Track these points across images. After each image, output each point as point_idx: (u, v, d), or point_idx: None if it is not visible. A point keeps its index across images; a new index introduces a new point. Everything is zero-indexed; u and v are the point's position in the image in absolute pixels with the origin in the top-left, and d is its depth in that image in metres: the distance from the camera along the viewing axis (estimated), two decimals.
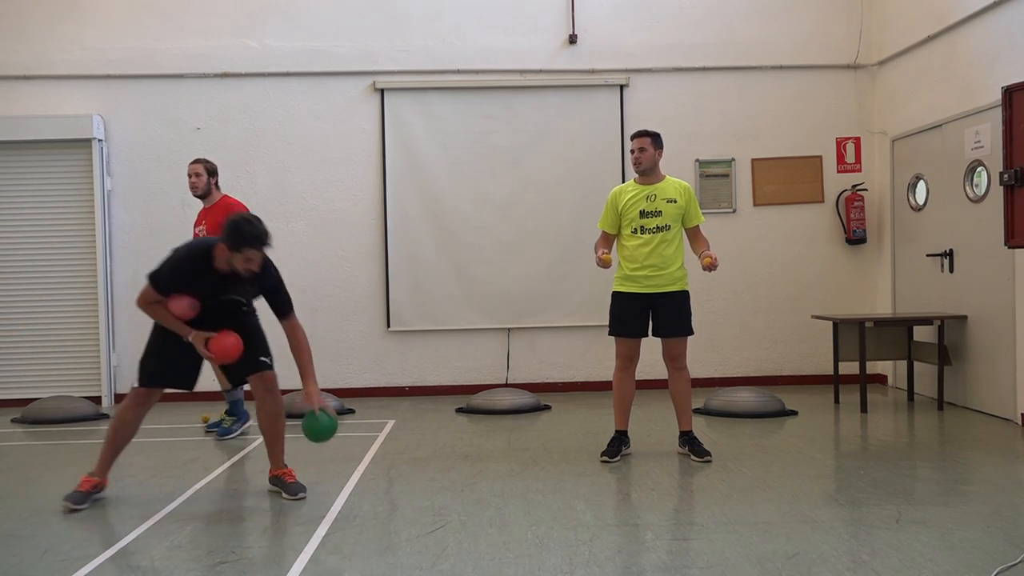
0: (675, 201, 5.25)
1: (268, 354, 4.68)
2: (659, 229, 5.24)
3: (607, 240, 5.45)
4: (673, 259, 5.26)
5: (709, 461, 5.20)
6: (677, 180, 5.38)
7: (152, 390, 4.56)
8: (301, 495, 4.55)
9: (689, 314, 5.37)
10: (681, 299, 5.32)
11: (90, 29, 8.22)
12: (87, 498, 4.49)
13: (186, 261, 4.36)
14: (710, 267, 5.13)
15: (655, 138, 5.32)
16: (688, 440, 5.41)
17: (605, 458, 5.26)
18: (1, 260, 8.16)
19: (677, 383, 5.42)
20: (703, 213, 5.52)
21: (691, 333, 5.37)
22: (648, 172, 5.31)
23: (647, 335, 5.36)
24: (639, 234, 5.26)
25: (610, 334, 5.43)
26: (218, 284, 4.41)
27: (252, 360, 4.59)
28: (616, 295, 5.40)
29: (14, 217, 8.16)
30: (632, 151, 5.32)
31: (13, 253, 8.16)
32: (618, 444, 5.38)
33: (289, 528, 4.04)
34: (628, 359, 5.38)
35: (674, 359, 5.39)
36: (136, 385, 4.60)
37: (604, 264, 5.24)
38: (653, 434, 6.10)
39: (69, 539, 3.95)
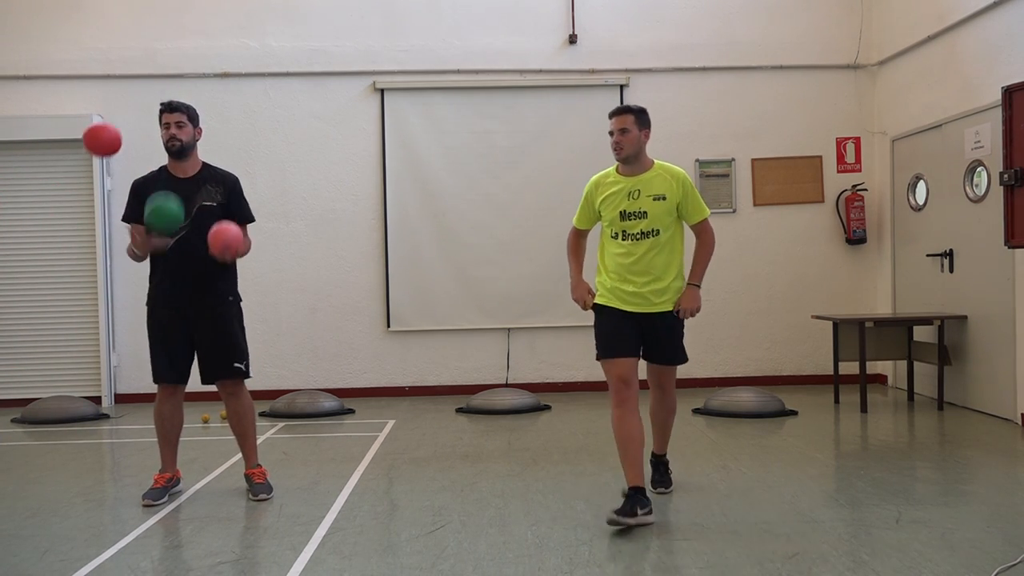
0: (663, 198, 4.15)
1: (243, 358, 4.62)
2: (645, 235, 4.15)
3: (580, 241, 4.50)
4: (666, 270, 4.19)
5: (664, 492, 4.52)
6: (668, 167, 4.27)
7: (165, 385, 4.60)
8: (263, 496, 4.56)
9: (682, 338, 4.39)
10: (675, 321, 4.30)
11: (90, 29, 8.23)
12: (163, 493, 4.57)
13: (139, 178, 4.63)
14: (680, 314, 4.24)
15: (639, 115, 4.21)
16: (662, 465, 4.62)
17: (615, 516, 3.90)
18: (1, 260, 8.16)
19: (660, 411, 4.51)
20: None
21: (684, 362, 4.42)
22: (631, 160, 4.20)
23: (639, 355, 4.32)
24: (620, 240, 4.21)
25: (600, 358, 4.28)
26: (179, 190, 4.46)
27: (227, 364, 4.57)
28: (599, 309, 4.31)
29: (14, 217, 8.16)
30: (611, 133, 4.21)
31: (13, 253, 8.16)
32: (633, 504, 3.94)
33: (289, 528, 4.04)
34: (624, 384, 4.14)
35: (663, 387, 4.48)
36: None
37: (587, 308, 4.36)
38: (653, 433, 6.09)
39: (69, 539, 3.95)
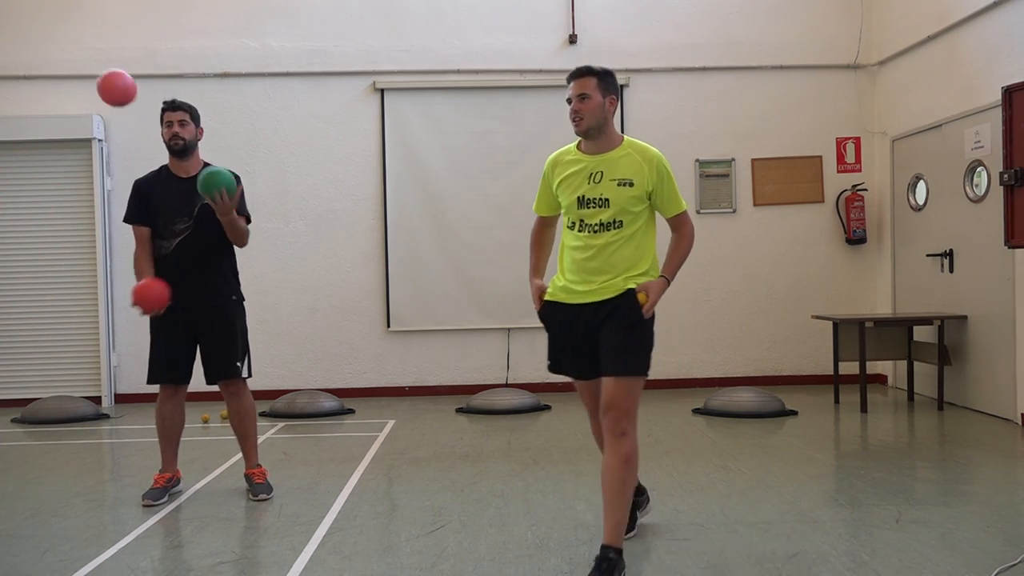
0: (630, 183, 3.39)
1: (243, 357, 4.63)
2: (605, 227, 3.41)
3: (543, 232, 3.83)
4: (630, 264, 3.43)
5: None
6: (640, 146, 3.49)
7: (167, 385, 4.60)
8: (263, 496, 4.56)
9: (643, 337, 3.40)
10: (632, 306, 3.37)
11: (90, 29, 8.23)
12: (163, 493, 4.58)
13: (140, 178, 4.64)
14: (640, 296, 3.39)
15: (603, 78, 3.46)
16: (604, 561, 3.22)
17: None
18: (1, 260, 8.16)
19: (611, 458, 3.31)
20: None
21: (639, 372, 3.36)
22: (594, 134, 3.46)
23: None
24: (577, 231, 3.49)
25: (551, 370, 3.66)
26: (182, 189, 4.48)
27: (228, 364, 4.58)
28: (548, 309, 3.58)
29: (14, 217, 8.16)
30: (569, 101, 3.48)
31: (13, 253, 8.16)
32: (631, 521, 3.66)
33: (289, 528, 4.04)
34: (593, 414, 3.67)
35: (609, 409, 3.32)
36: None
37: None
38: (653, 434, 6.10)
39: (69, 539, 3.95)
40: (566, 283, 3.50)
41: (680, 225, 3.56)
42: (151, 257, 4.55)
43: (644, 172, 3.41)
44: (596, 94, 3.42)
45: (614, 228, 3.41)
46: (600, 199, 3.41)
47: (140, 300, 4.25)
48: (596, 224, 3.42)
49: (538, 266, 3.77)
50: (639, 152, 3.45)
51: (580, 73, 3.47)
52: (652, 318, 3.42)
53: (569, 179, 3.50)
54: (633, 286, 3.39)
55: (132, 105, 7.99)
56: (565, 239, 3.57)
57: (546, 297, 3.58)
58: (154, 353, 4.60)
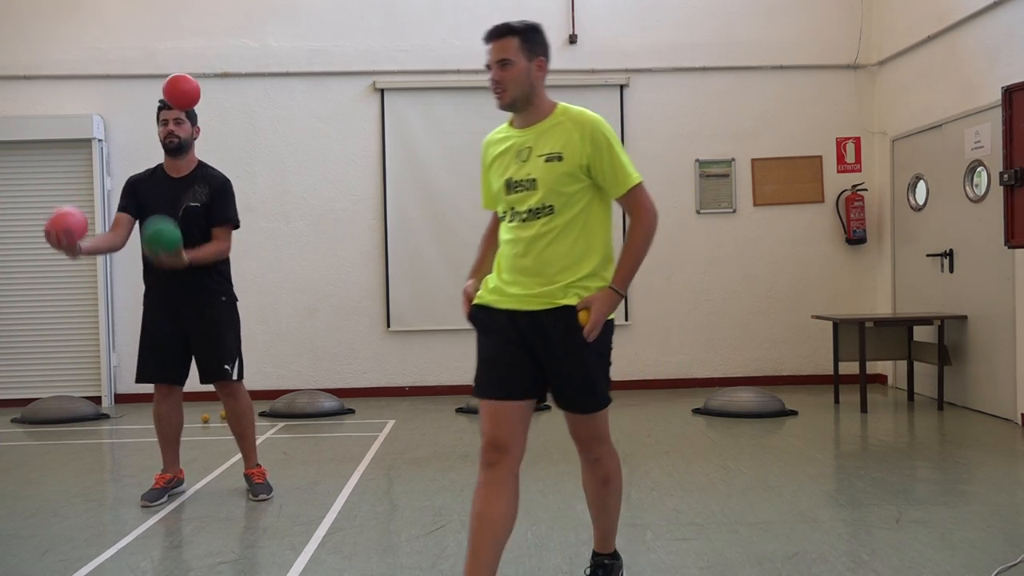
0: (558, 157, 2.76)
1: (233, 360, 4.57)
2: (535, 214, 2.79)
3: (496, 229, 3.11)
4: (569, 263, 2.78)
5: None
6: (574, 112, 2.85)
7: (160, 385, 4.59)
8: (263, 496, 4.55)
9: (593, 365, 2.83)
10: (572, 327, 2.74)
11: (90, 29, 8.23)
12: (162, 494, 4.57)
13: (133, 175, 4.67)
14: (582, 315, 2.74)
15: (527, 37, 2.89)
16: (599, 568, 3.17)
17: None
18: (1, 260, 8.16)
19: (590, 481, 3.07)
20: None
21: (599, 408, 2.91)
22: (521, 105, 2.88)
23: (536, 395, 2.94)
24: (508, 221, 2.91)
25: (476, 394, 2.93)
26: (170, 189, 4.48)
27: (217, 367, 4.54)
28: (475, 314, 2.93)
29: (14, 217, 8.16)
30: (487, 67, 2.95)
31: (13, 253, 8.16)
32: None
33: (289, 528, 4.04)
34: (494, 447, 2.82)
35: (583, 442, 3.01)
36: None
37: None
38: (654, 434, 6.10)
39: (69, 539, 3.95)
40: (498, 283, 2.87)
41: (632, 208, 2.81)
42: (110, 237, 4.50)
43: (575, 142, 2.75)
44: (520, 58, 2.84)
45: (544, 215, 2.76)
46: (527, 180, 2.79)
47: (57, 225, 3.91)
48: (525, 211, 2.79)
49: (480, 266, 3.09)
50: (571, 119, 2.80)
51: (499, 33, 2.86)
52: (610, 330, 2.82)
53: (498, 160, 2.92)
54: (573, 301, 2.75)
55: (132, 105, 8.14)
56: (500, 233, 2.97)
57: (475, 300, 2.93)
58: (140, 351, 4.58)
